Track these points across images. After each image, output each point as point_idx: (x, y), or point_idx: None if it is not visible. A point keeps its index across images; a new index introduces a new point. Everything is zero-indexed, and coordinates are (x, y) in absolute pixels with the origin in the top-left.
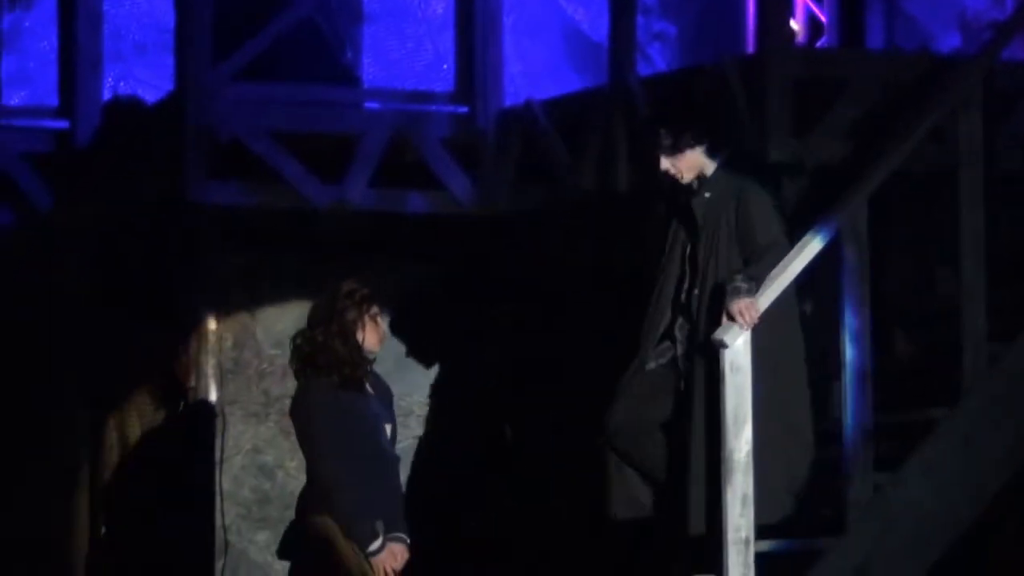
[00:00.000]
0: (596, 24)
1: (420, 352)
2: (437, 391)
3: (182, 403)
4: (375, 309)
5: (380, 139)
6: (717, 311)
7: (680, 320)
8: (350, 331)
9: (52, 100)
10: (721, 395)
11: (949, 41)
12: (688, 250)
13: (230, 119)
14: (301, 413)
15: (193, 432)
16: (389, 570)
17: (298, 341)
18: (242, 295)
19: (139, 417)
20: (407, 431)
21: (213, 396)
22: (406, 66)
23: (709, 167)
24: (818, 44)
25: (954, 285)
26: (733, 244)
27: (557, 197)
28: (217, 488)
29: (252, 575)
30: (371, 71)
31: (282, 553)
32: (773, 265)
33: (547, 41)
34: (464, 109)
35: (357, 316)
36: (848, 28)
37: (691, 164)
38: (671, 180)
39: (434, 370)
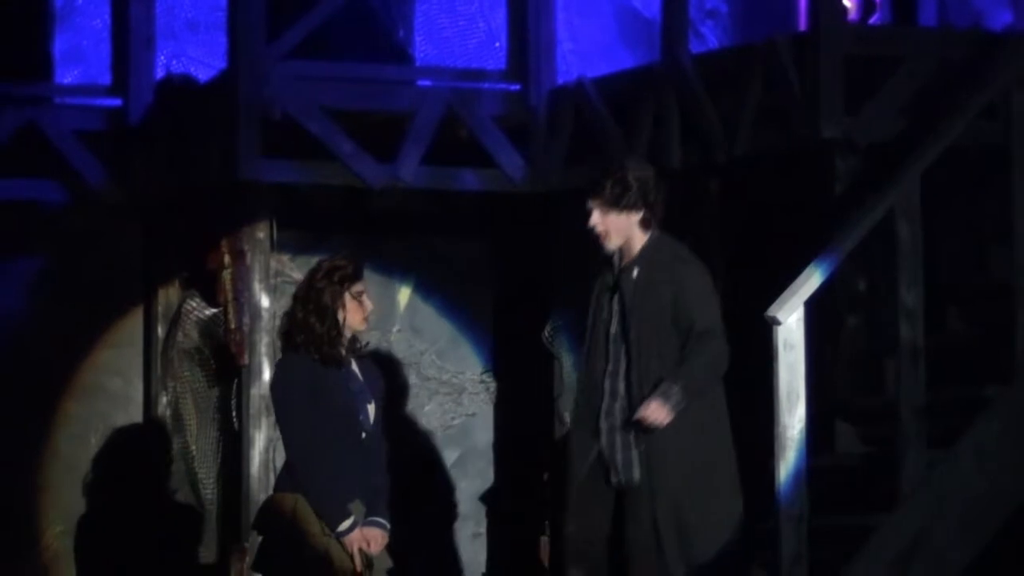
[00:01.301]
0: (648, 2)
1: (472, 330)
2: (489, 365)
3: (236, 381)
4: (358, 287)
5: (432, 117)
6: None
7: (607, 404)
8: (327, 309)
9: (105, 78)
10: (774, 372)
11: (1001, 18)
12: (614, 329)
13: (283, 97)
14: (275, 388)
15: (247, 410)
16: (356, 553)
17: (282, 318)
18: (296, 273)
19: (193, 395)
20: (460, 408)
21: (267, 374)
22: (458, 44)
23: (637, 240)
24: (870, 21)
25: (1007, 262)
26: (667, 326)
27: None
28: (271, 466)
29: None
30: (424, 49)
31: (257, 529)
32: (706, 368)
33: (599, 19)
34: (516, 87)
35: (337, 294)
36: (900, 5)
37: (621, 229)
38: (596, 240)
39: (487, 348)
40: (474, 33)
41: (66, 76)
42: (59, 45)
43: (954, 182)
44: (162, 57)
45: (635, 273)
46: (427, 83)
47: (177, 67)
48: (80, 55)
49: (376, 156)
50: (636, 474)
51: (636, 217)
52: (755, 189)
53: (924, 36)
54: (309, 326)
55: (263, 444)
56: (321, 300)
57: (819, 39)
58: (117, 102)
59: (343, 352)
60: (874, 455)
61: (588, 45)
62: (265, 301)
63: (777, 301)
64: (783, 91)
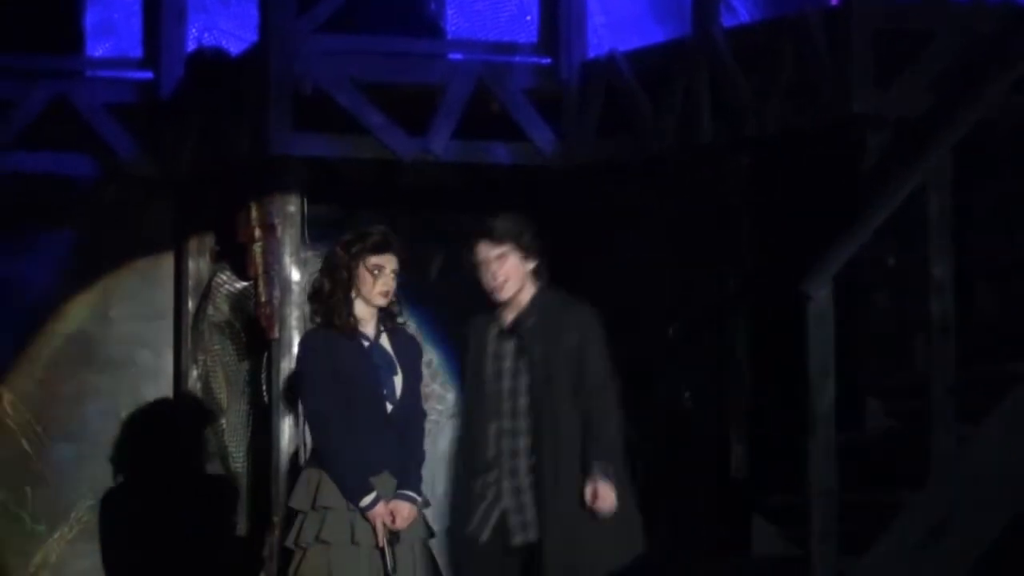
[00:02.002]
0: None
1: None
2: None
3: (266, 354)
4: (375, 260)
5: (464, 90)
6: (568, 468)
7: (509, 464)
8: (341, 280)
9: (136, 51)
10: (806, 347)
11: None
12: (508, 384)
13: (314, 70)
14: (296, 362)
15: (277, 383)
16: (380, 527)
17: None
18: (326, 247)
19: (223, 368)
20: None
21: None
22: (490, 17)
23: (528, 291)
24: None
25: None
26: (568, 376)
27: (639, 148)
28: (302, 441)
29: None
30: (455, 22)
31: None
32: (618, 429)
33: None
34: (547, 60)
35: (351, 265)
36: None
37: (516, 275)
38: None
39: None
40: (506, 6)
41: (97, 49)
42: (90, 18)
43: (985, 157)
44: (193, 30)
45: (531, 324)
46: (458, 56)
47: (208, 40)
48: (111, 28)
49: (407, 129)
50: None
51: (532, 266)
52: (786, 164)
53: (955, 11)
54: (321, 293)
55: (294, 418)
56: (335, 269)
57: (850, 13)
58: (148, 75)
59: (355, 323)
60: (904, 431)
61: (619, 18)
62: (295, 275)
63: (808, 276)
64: (814, 65)
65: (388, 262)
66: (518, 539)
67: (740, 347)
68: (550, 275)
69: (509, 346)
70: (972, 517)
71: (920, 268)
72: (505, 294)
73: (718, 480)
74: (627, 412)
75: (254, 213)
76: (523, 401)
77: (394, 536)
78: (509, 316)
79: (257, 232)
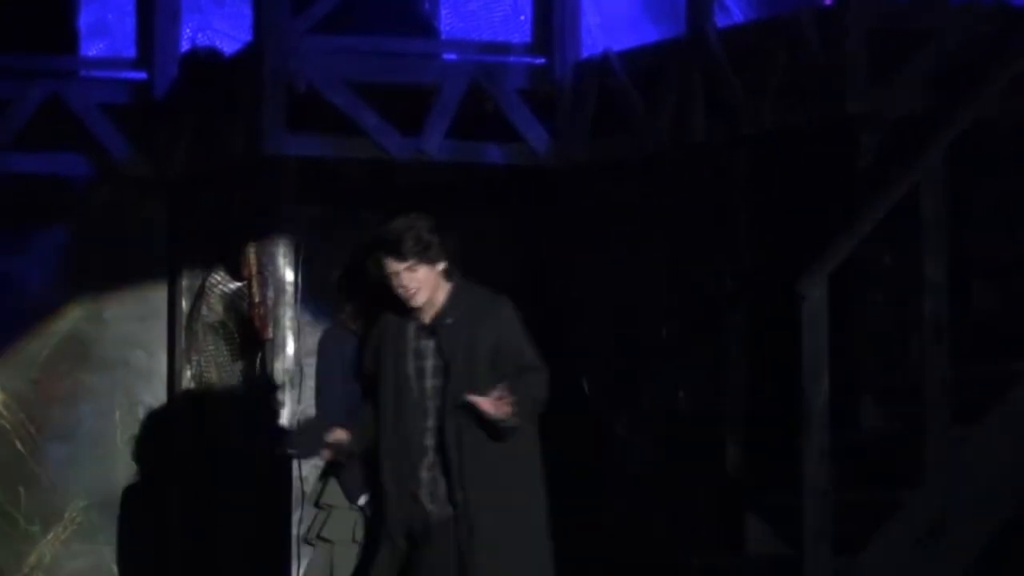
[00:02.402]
0: None
1: None
2: None
3: (260, 355)
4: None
5: (457, 90)
6: (483, 465)
7: (429, 459)
8: (345, 279)
9: (130, 51)
10: (800, 346)
11: None
12: (431, 383)
13: (308, 70)
14: None
15: (271, 383)
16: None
17: None
18: (320, 247)
19: (217, 369)
20: None
21: (291, 348)
22: (484, 17)
23: (442, 290)
24: None
25: None
26: (487, 372)
27: (634, 148)
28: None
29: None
30: (449, 22)
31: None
32: (538, 393)
33: None
34: (541, 60)
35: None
36: None
37: (430, 283)
38: (402, 297)
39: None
40: (499, 6)
41: (91, 49)
42: (84, 18)
43: (982, 156)
44: (187, 30)
45: (449, 322)
46: (452, 56)
47: (202, 40)
48: (105, 28)
49: (401, 129)
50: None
51: (440, 268)
52: (781, 163)
53: (950, 11)
54: (339, 294)
55: (287, 417)
56: (349, 270)
57: (845, 13)
58: (142, 75)
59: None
60: (899, 431)
61: (613, 18)
62: (289, 275)
63: (802, 276)
64: (808, 65)
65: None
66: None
67: (735, 346)
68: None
69: (430, 345)
70: (968, 517)
71: (914, 267)
72: (418, 301)
73: (713, 479)
74: (621, 411)
75: (252, 258)
76: (440, 400)
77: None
78: (428, 314)
79: (255, 271)
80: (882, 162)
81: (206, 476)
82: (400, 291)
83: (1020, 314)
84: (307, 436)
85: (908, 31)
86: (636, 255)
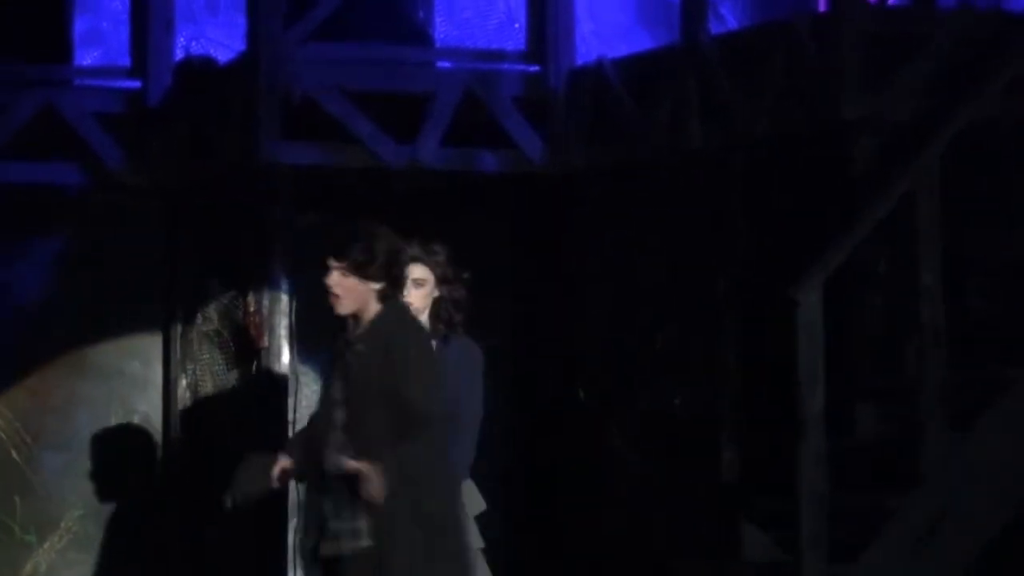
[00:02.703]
0: None
1: (489, 309)
2: (507, 348)
3: (255, 363)
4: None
5: (452, 98)
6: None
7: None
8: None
9: (124, 60)
10: (795, 352)
11: None
12: (337, 413)
13: (303, 79)
14: None
15: (266, 392)
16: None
17: None
18: (315, 255)
19: (212, 378)
20: None
21: (286, 357)
22: (478, 25)
23: (371, 311)
24: (890, 1)
25: None
26: (381, 404)
27: (629, 155)
28: None
29: None
30: (443, 30)
31: None
32: (417, 461)
33: (619, 0)
34: (536, 68)
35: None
36: None
37: (358, 296)
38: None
39: (504, 327)
40: (493, 14)
41: (85, 58)
42: (78, 27)
43: (978, 160)
44: (181, 39)
45: (360, 348)
46: (447, 64)
47: (197, 49)
48: (99, 37)
49: (396, 137)
50: (363, 542)
51: (375, 287)
52: (777, 168)
53: (944, 15)
54: None
55: (283, 426)
56: None
57: (839, 18)
58: (136, 84)
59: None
60: (894, 436)
61: (607, 26)
62: (284, 284)
63: (798, 281)
64: (803, 71)
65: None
66: (328, 550)
67: (732, 351)
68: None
69: (344, 365)
70: (966, 521)
71: (910, 272)
72: (339, 309)
73: (709, 484)
74: (618, 416)
75: (251, 305)
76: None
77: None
78: (353, 334)
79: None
80: (878, 167)
81: (202, 485)
82: (328, 290)
83: (1014, 316)
84: (248, 474)
85: (903, 36)
86: (633, 261)
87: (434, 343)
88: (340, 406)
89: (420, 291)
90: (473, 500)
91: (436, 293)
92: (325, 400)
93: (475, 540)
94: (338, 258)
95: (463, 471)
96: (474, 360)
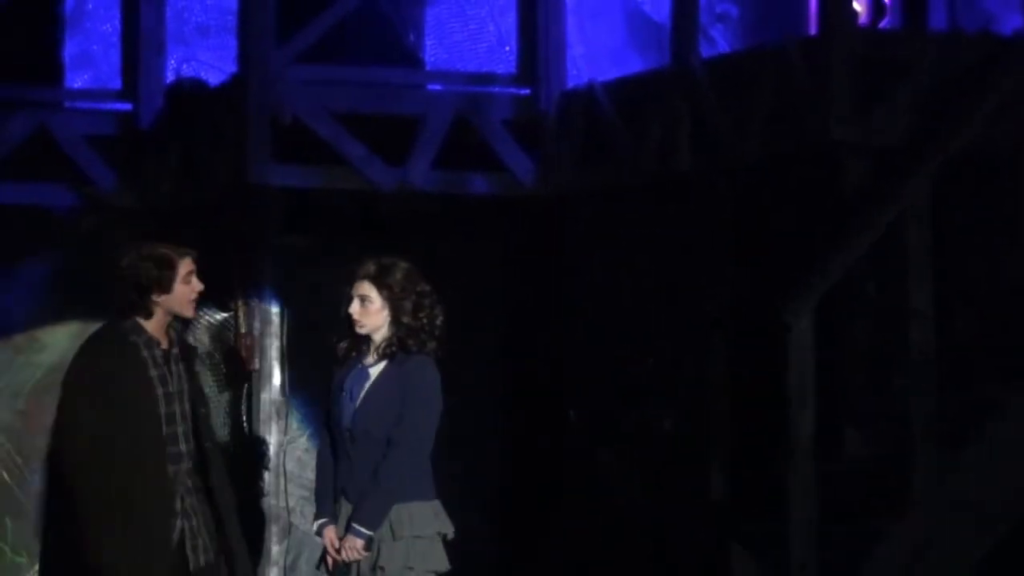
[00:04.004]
0: (659, 5)
1: (481, 331)
2: (499, 370)
3: (246, 385)
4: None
5: (443, 121)
6: None
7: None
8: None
9: (115, 83)
10: (785, 375)
11: (1011, 22)
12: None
13: (293, 101)
14: None
15: (257, 414)
16: (330, 552)
17: None
18: (306, 278)
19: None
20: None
21: (277, 379)
22: (468, 48)
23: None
24: (880, 25)
25: (1019, 264)
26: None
27: (619, 177)
28: (281, 470)
29: (314, 557)
30: (434, 53)
31: None
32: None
33: (609, 23)
34: (526, 91)
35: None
36: (910, 9)
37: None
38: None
39: (495, 349)
40: (484, 37)
41: (76, 81)
42: (69, 49)
43: (968, 183)
44: (172, 62)
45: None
46: (437, 87)
47: (188, 71)
48: (90, 60)
49: (386, 160)
50: None
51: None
52: (766, 192)
53: (934, 40)
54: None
55: (274, 449)
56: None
57: (829, 42)
58: (127, 107)
59: (350, 349)
60: (884, 458)
61: (598, 49)
62: (275, 306)
63: (788, 304)
64: (793, 94)
65: (356, 289)
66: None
67: (720, 372)
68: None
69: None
70: (954, 544)
71: (900, 295)
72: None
73: (698, 507)
74: (606, 437)
75: (242, 318)
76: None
77: (346, 567)
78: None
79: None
80: (868, 189)
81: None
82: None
83: (1004, 339)
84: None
85: (893, 59)
86: (623, 282)
87: (378, 364)
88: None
89: (364, 308)
90: (439, 522)
91: (386, 313)
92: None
93: (439, 562)
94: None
95: (398, 492)
96: (423, 381)
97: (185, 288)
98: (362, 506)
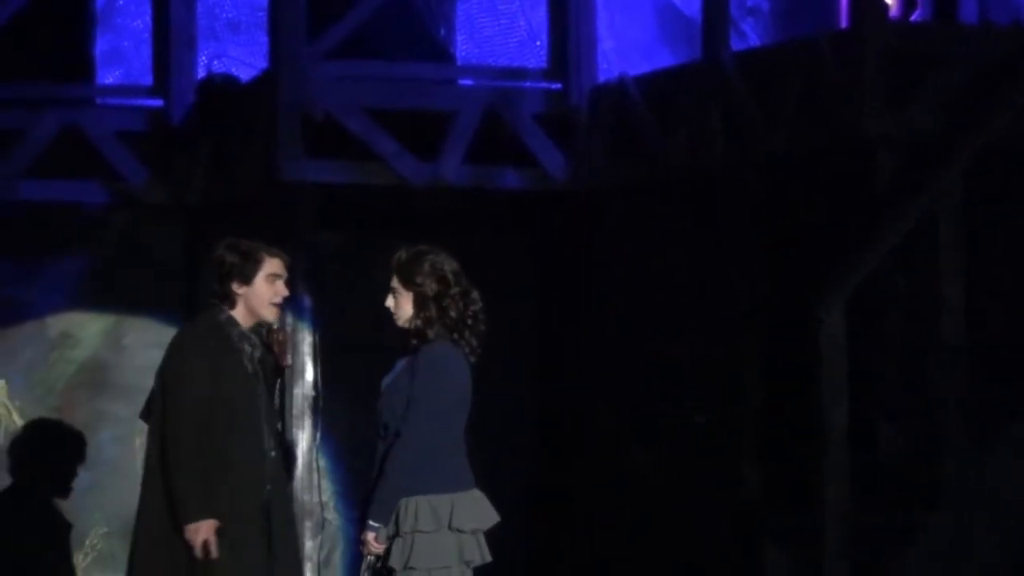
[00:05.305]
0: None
1: (512, 326)
2: (528, 364)
3: (279, 381)
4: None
5: (474, 116)
6: None
7: None
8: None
9: (146, 79)
10: (818, 368)
11: None
12: None
13: (324, 97)
14: None
15: (290, 410)
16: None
17: None
18: (338, 274)
19: None
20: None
21: (310, 374)
22: (500, 43)
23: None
24: (912, 18)
25: None
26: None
27: (650, 172)
28: (315, 466)
29: (348, 552)
30: (465, 48)
31: None
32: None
33: (640, 17)
34: (557, 85)
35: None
36: (941, 2)
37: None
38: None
39: (525, 343)
40: (515, 32)
41: (107, 77)
42: (100, 46)
43: (998, 178)
44: (203, 58)
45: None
46: (468, 82)
47: (218, 67)
48: (121, 56)
49: (418, 155)
50: None
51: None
52: (797, 185)
53: (965, 33)
54: None
55: (307, 444)
56: None
57: (861, 35)
58: (159, 103)
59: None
60: (917, 452)
61: (628, 43)
62: (308, 301)
63: (820, 298)
64: (825, 88)
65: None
66: None
67: (752, 367)
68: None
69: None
70: (985, 539)
71: (932, 288)
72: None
73: (730, 501)
74: (637, 431)
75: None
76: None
77: (373, 562)
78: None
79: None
80: (899, 182)
81: None
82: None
83: None
84: None
85: (924, 52)
86: (654, 277)
87: (405, 356)
88: None
89: (394, 299)
90: (442, 516)
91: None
92: None
93: (445, 558)
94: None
95: (403, 485)
96: (429, 368)
97: (267, 287)
98: (371, 498)
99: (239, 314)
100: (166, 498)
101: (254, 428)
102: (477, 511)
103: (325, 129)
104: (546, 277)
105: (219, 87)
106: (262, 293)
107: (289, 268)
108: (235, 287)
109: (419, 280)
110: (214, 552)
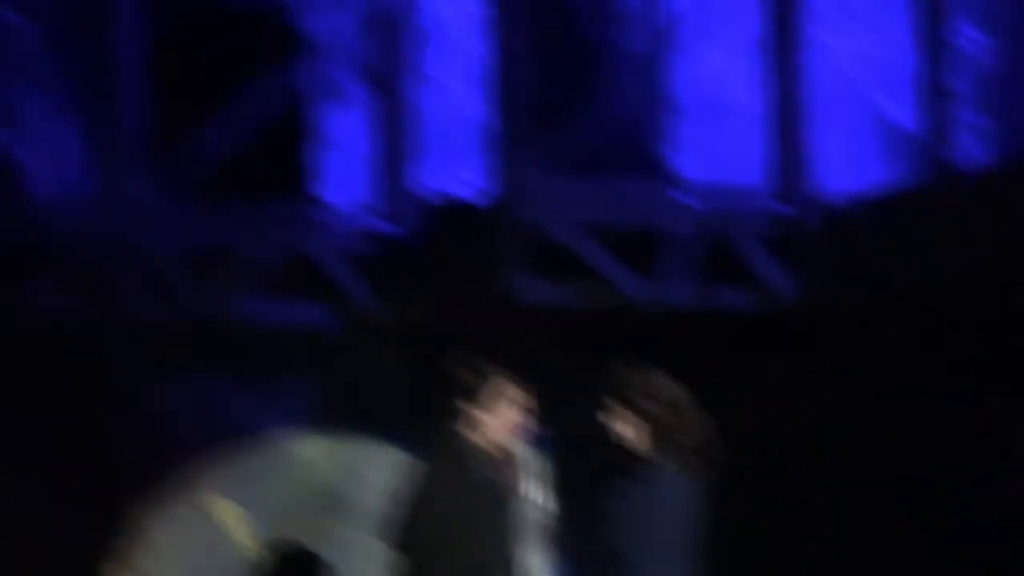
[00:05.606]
0: (907, 114)
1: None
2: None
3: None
4: None
5: (697, 234)
6: None
7: None
8: None
9: (371, 200)
10: None
11: None
12: None
13: (550, 217)
14: None
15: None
16: None
17: None
18: (565, 394)
19: None
20: None
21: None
22: (722, 162)
23: None
24: None
25: None
26: None
27: (880, 291)
28: None
29: None
30: (687, 166)
31: None
32: None
33: (856, 133)
34: (779, 204)
35: None
36: None
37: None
38: None
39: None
40: (737, 151)
41: (334, 196)
42: (325, 167)
43: None
44: (427, 179)
45: None
46: (691, 200)
47: (442, 188)
48: (348, 176)
49: (639, 273)
50: None
51: None
52: None
53: None
54: None
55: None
56: None
57: None
58: (383, 224)
59: None
60: None
61: (847, 158)
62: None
63: None
64: None
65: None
66: None
67: None
68: None
69: None
70: None
71: None
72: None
73: None
74: None
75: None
76: None
77: None
78: None
79: None
80: None
81: None
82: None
83: None
84: None
85: None
86: (894, 400)
87: None
88: None
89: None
90: None
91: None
92: None
93: None
94: None
95: None
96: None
97: (505, 412)
98: None
99: (476, 438)
100: None
101: (489, 552)
102: None
103: (551, 249)
104: (777, 394)
105: (444, 208)
106: (492, 418)
107: (528, 392)
108: (466, 407)
109: (635, 401)
110: None
